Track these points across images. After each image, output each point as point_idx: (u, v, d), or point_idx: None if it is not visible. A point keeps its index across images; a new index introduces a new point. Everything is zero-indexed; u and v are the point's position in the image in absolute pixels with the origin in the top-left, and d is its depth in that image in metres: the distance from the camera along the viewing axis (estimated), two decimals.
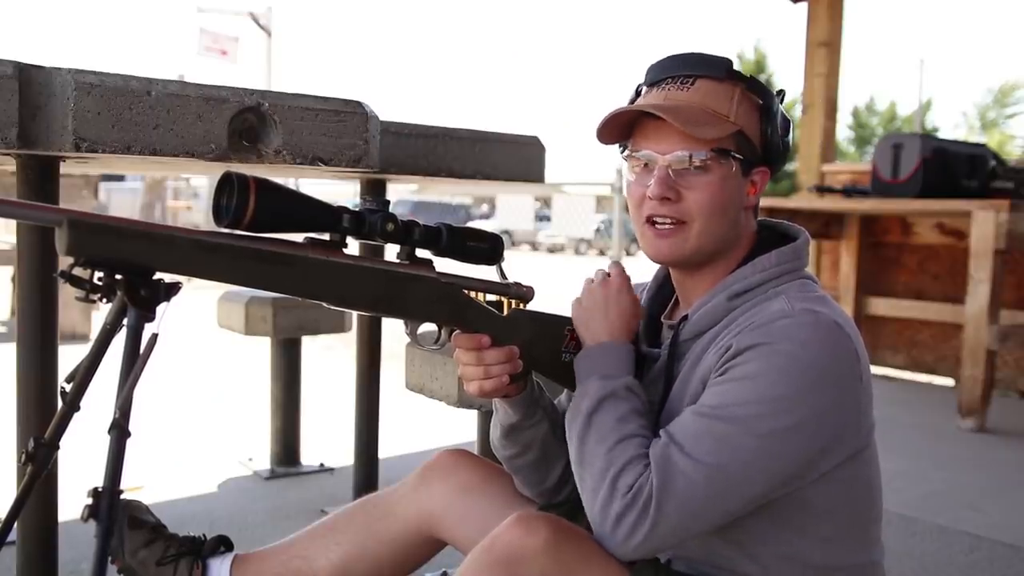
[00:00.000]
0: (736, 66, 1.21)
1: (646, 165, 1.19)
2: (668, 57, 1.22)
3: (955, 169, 4.21)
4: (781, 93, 1.22)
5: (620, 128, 1.22)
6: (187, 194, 16.82)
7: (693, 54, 1.20)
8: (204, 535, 1.45)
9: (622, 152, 1.24)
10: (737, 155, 1.16)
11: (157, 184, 12.40)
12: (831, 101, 5.54)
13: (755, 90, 1.19)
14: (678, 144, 1.15)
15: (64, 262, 0.99)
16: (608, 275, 1.28)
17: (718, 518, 1.09)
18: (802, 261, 1.22)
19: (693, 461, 1.07)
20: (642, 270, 1.32)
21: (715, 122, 1.15)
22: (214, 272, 1.07)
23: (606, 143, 1.23)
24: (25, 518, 1.58)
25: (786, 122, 1.21)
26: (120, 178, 15.91)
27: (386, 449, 2.67)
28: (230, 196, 1.05)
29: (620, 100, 1.27)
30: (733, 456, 1.07)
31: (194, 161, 1.55)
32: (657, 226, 1.19)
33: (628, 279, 1.28)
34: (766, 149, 1.20)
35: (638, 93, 1.25)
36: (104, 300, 1.01)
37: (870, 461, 1.20)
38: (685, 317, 1.22)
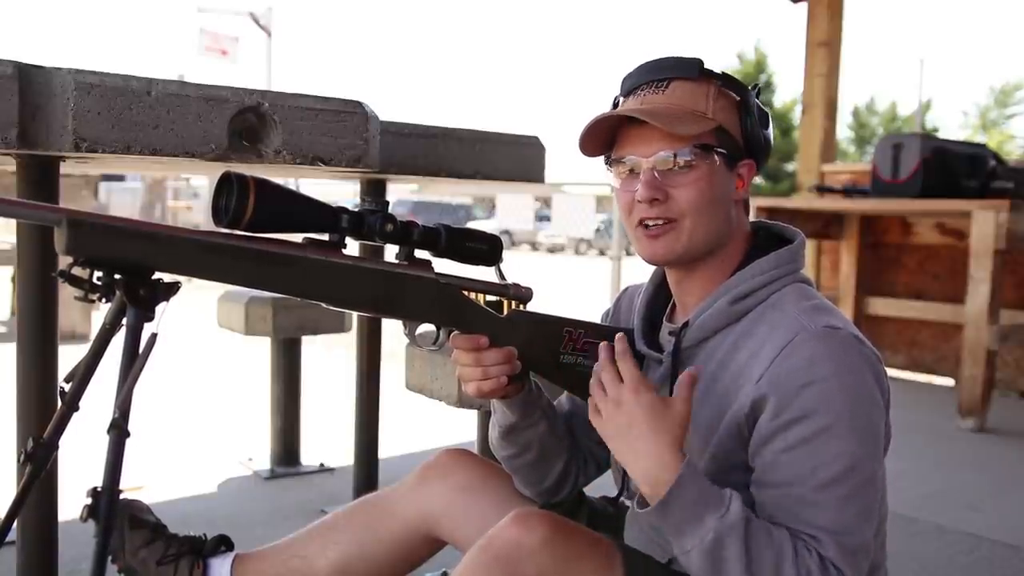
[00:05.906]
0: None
1: (631, 171, 1.19)
2: (640, 65, 1.23)
3: (955, 169, 4.21)
4: (756, 87, 1.23)
5: (602, 139, 1.22)
6: (187, 194, 16.82)
7: (664, 58, 1.21)
8: (204, 535, 1.45)
9: (606, 162, 1.24)
10: (720, 150, 1.17)
11: (157, 184, 12.41)
12: (831, 101, 5.54)
13: (729, 86, 1.20)
14: (660, 145, 1.16)
15: (64, 262, 0.99)
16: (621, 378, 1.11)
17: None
18: (799, 263, 1.22)
19: (854, 533, 1.06)
20: (642, 271, 1.31)
21: (694, 119, 1.16)
22: (213, 272, 1.07)
23: (590, 155, 1.24)
24: (25, 518, 1.58)
25: (764, 115, 1.22)
26: (120, 178, 15.90)
27: (386, 449, 2.67)
28: (229, 196, 1.05)
29: (609, 106, 1.27)
30: (867, 499, 1.08)
31: (194, 161, 1.55)
32: (649, 228, 1.19)
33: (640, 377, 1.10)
34: (748, 142, 1.20)
35: (615, 104, 1.26)
36: (103, 300, 1.02)
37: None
38: (687, 323, 1.22)
